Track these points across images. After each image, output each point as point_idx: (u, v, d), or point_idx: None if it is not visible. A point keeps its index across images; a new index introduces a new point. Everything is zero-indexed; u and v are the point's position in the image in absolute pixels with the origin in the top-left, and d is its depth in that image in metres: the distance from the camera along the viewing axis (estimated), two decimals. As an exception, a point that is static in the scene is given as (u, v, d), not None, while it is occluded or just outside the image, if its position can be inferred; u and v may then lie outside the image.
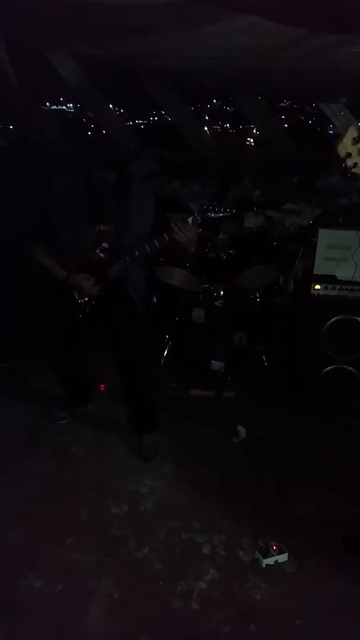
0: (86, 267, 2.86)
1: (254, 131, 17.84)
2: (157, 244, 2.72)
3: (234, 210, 2.71)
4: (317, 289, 3.26)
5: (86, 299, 2.89)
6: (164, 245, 2.72)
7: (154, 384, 3.19)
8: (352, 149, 1.95)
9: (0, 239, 3.77)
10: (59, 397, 3.29)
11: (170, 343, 3.81)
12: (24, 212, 3.83)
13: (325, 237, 3.19)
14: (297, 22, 2.38)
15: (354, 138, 1.94)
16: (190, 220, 2.68)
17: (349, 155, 1.96)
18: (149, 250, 2.74)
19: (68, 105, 24.03)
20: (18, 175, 4.29)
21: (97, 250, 2.86)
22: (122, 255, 2.80)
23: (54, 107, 22.56)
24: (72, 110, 23.19)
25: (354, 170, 1.98)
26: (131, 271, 2.91)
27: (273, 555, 2.30)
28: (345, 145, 1.95)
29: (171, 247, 2.75)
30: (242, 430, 3.19)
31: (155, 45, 3.65)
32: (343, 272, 3.21)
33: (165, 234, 2.69)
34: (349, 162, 1.97)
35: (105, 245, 2.86)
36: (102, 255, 2.87)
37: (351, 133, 1.95)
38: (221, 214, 2.70)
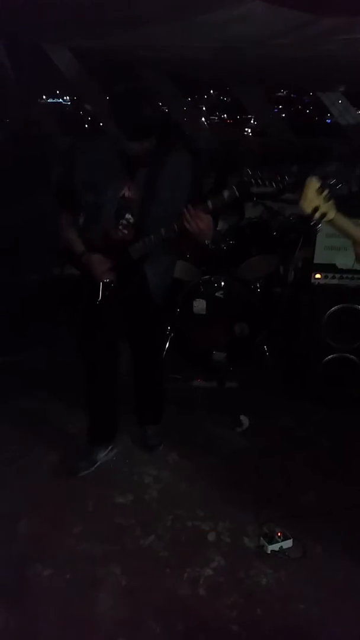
0: (106, 245, 2.48)
1: (252, 121, 17.78)
2: (176, 227, 2.33)
3: (282, 184, 2.25)
4: (318, 278, 3.27)
5: (106, 280, 2.53)
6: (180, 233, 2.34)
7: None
8: (318, 200, 1.86)
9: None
10: (62, 388, 3.30)
11: (172, 335, 3.83)
12: (22, 206, 3.85)
13: (325, 226, 3.19)
14: (297, 4, 2.35)
15: (317, 189, 1.85)
16: (209, 203, 2.29)
17: (316, 208, 1.86)
18: (176, 230, 2.33)
19: (64, 97, 23.97)
20: (16, 168, 4.29)
21: (120, 226, 2.46)
22: (147, 232, 2.40)
23: (51, 100, 22.51)
24: (69, 103, 23.14)
25: (325, 219, 1.89)
26: (155, 257, 2.52)
27: (278, 542, 2.33)
28: (311, 199, 1.85)
29: (183, 238, 2.39)
30: (245, 419, 3.22)
31: (151, 36, 3.64)
32: (343, 261, 3.21)
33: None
34: (318, 215, 1.87)
35: (128, 217, 2.45)
36: (125, 231, 2.47)
37: (313, 185, 1.85)
38: (264, 189, 2.29)
